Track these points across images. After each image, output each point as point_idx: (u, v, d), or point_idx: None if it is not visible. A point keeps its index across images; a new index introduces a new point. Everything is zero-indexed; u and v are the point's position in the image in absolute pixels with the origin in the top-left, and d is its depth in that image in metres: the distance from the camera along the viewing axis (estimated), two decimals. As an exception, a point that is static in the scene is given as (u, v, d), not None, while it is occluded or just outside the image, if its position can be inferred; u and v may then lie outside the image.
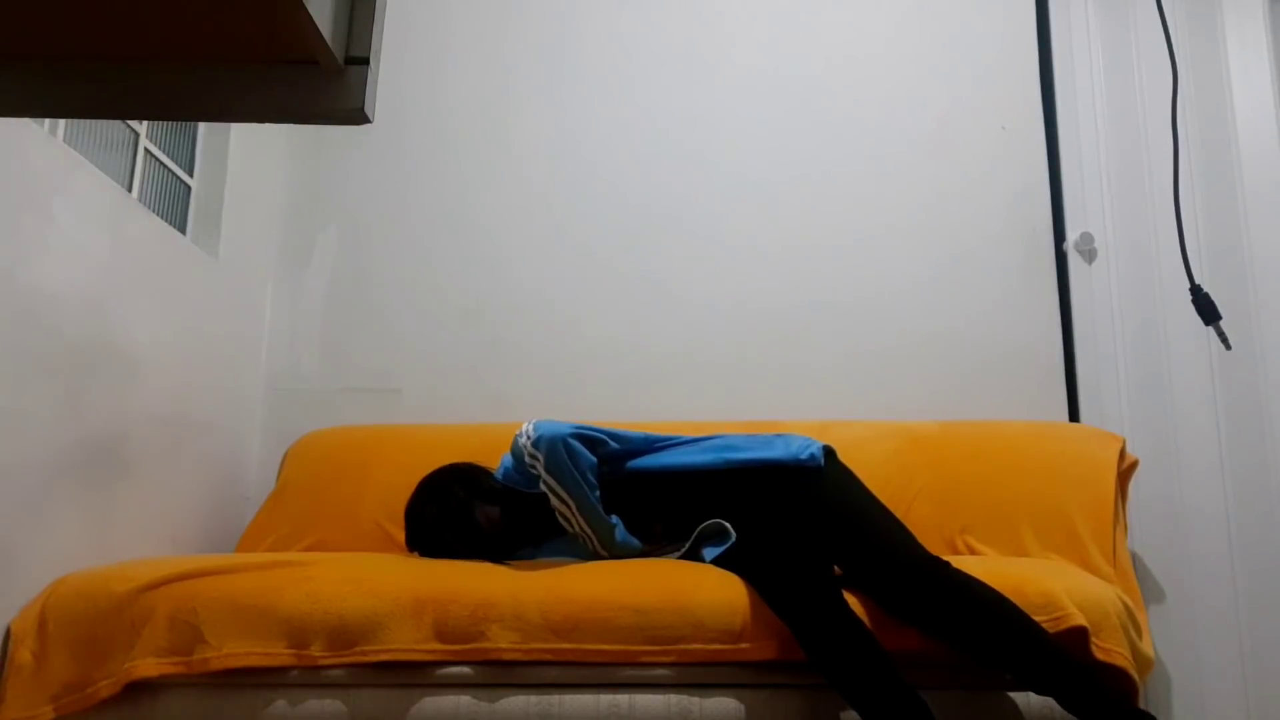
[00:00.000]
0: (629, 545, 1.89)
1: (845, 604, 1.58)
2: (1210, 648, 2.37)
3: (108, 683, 1.57)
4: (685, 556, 1.83)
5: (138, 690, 1.58)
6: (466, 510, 1.91)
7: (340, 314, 2.75)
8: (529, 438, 1.88)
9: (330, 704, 1.58)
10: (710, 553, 1.79)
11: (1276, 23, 2.72)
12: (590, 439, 1.90)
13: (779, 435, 1.97)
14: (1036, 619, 1.56)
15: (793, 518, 1.80)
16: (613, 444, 1.93)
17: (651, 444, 1.98)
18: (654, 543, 1.93)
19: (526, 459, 1.88)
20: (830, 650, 1.53)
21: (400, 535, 2.11)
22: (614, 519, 1.89)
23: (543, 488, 1.86)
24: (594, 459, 1.88)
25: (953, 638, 1.57)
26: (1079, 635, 1.57)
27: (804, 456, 1.85)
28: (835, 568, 1.69)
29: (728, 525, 1.81)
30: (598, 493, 1.86)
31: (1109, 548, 2.06)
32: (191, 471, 2.30)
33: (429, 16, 2.88)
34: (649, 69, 2.85)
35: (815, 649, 1.54)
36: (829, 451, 1.92)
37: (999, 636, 1.54)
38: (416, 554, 1.97)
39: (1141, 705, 1.58)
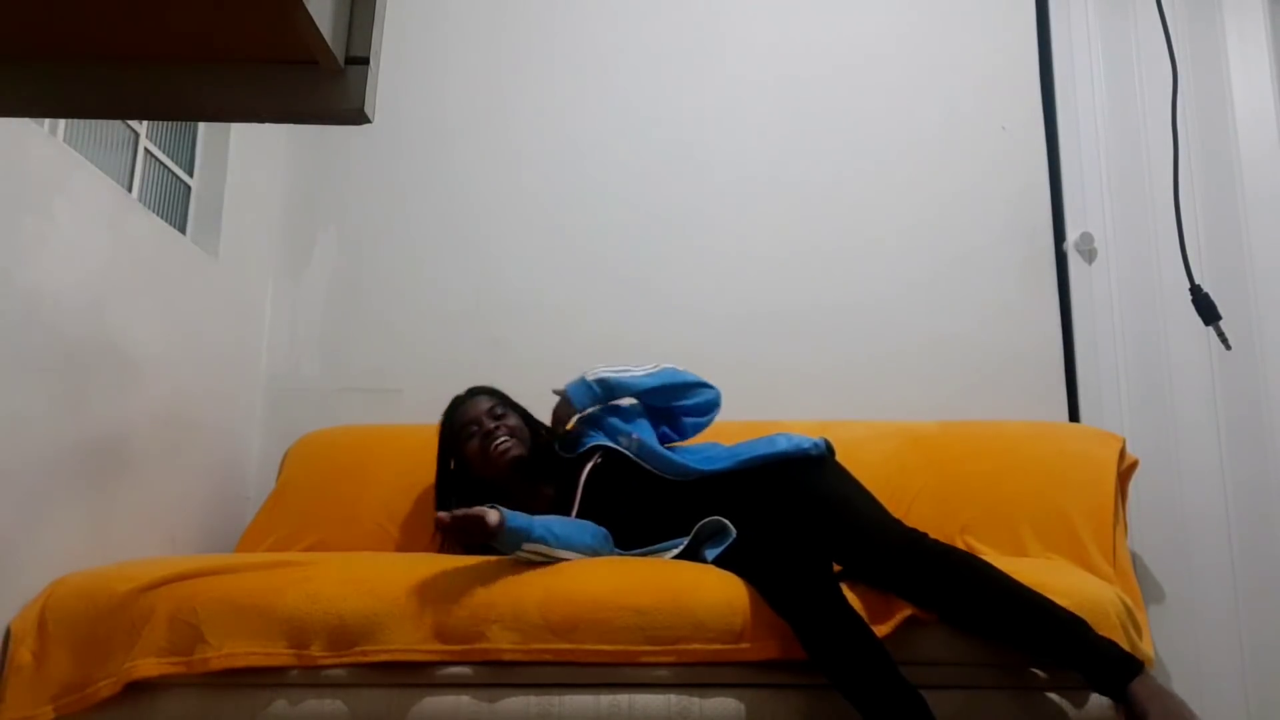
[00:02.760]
0: (591, 540, 1.84)
1: (845, 602, 1.58)
2: (1210, 648, 2.37)
3: (108, 683, 1.57)
4: (685, 556, 1.83)
5: (138, 690, 1.58)
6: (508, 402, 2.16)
7: (340, 314, 2.75)
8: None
9: (330, 704, 1.58)
10: (711, 552, 1.79)
11: (1276, 23, 2.72)
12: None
13: (780, 433, 2.01)
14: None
15: (791, 511, 1.82)
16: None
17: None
18: (631, 548, 1.92)
19: (647, 366, 2.14)
20: (831, 649, 1.54)
21: (400, 535, 2.12)
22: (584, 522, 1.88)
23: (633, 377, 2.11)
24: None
25: (940, 606, 1.62)
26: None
27: (807, 445, 1.95)
28: (834, 564, 1.69)
29: (727, 523, 1.81)
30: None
31: (1109, 548, 2.06)
32: (191, 471, 2.30)
33: (428, 16, 2.88)
34: (650, 71, 2.85)
35: (816, 647, 1.55)
36: (829, 444, 2.00)
37: (978, 596, 1.60)
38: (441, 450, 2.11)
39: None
